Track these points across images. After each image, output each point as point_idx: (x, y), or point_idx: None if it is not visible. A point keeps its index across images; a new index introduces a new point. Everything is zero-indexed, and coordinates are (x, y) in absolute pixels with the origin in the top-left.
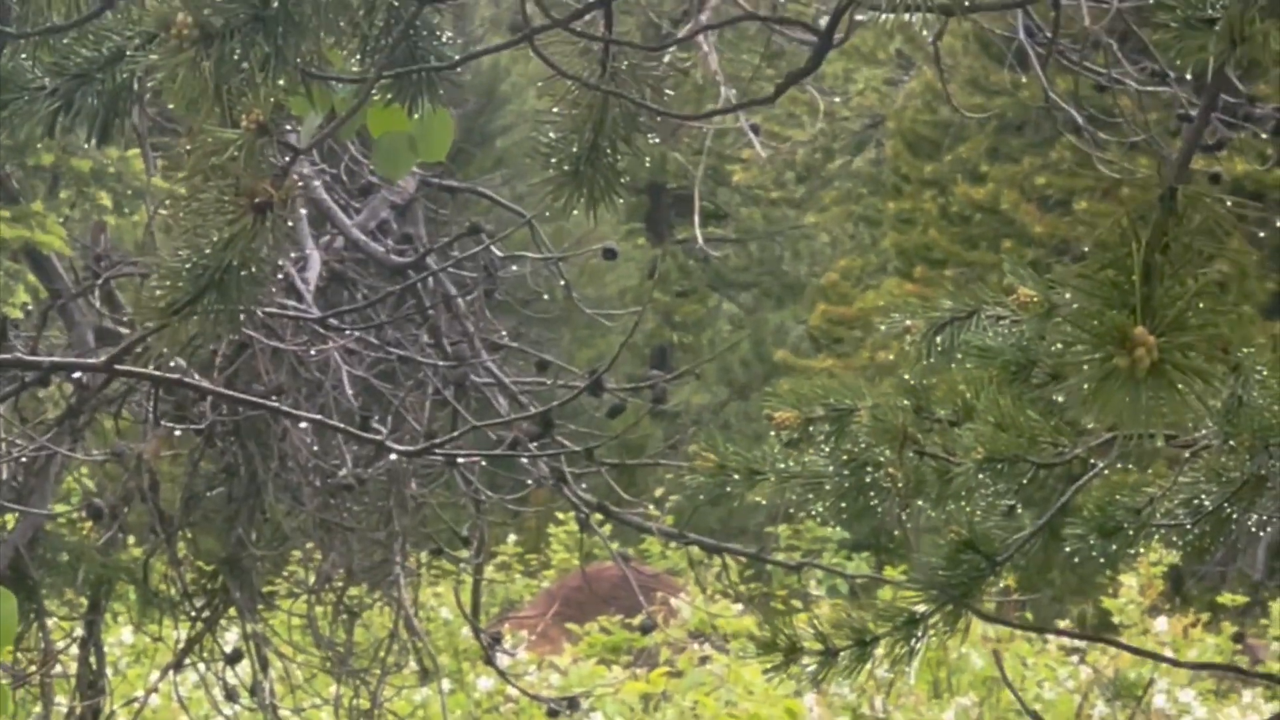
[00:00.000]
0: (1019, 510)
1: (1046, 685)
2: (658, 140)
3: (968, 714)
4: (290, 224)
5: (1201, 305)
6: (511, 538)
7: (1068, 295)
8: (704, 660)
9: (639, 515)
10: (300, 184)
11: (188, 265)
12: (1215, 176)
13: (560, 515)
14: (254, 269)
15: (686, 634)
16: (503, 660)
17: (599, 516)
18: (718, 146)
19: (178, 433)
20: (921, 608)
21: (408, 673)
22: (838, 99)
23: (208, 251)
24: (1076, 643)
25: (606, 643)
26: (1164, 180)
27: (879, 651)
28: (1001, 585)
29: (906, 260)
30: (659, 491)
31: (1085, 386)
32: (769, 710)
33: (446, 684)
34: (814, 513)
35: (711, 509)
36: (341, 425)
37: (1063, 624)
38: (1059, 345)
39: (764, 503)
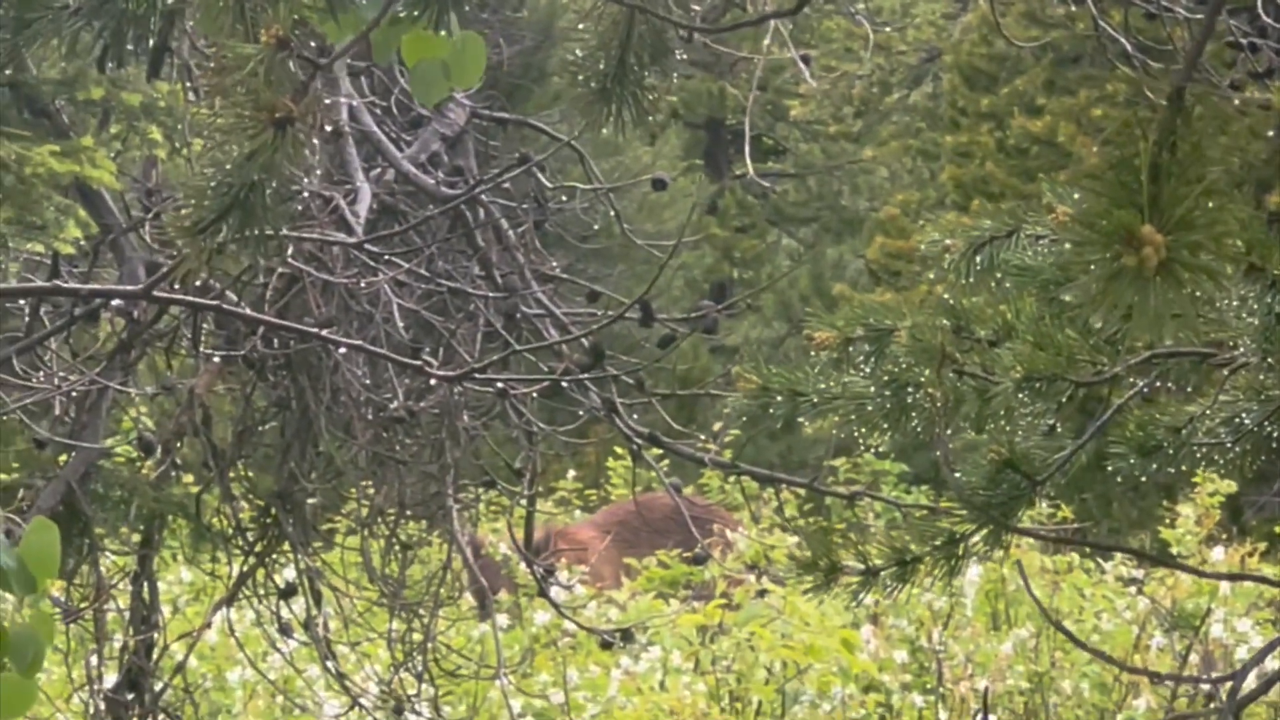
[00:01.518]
0: (1059, 430)
1: (1105, 616)
2: (683, 59)
3: (1025, 645)
4: (312, 140)
5: (1210, 204)
6: (571, 473)
7: (1076, 196)
8: (761, 594)
9: (692, 446)
10: (325, 102)
11: (211, 184)
12: (1235, 85)
13: (619, 450)
14: (278, 186)
15: (742, 566)
16: (559, 594)
17: (656, 451)
18: (775, 81)
19: (230, 367)
20: (962, 528)
21: (465, 608)
22: (894, 32)
23: (229, 168)
24: (1135, 573)
25: (664, 577)
26: (1172, 80)
27: (920, 571)
28: (1059, 516)
29: (964, 194)
30: (717, 426)
31: (1094, 286)
32: (825, 641)
33: (505, 619)
34: (858, 436)
35: (771, 443)
36: (382, 350)
37: (1119, 555)
38: (1068, 245)
39: (833, 434)
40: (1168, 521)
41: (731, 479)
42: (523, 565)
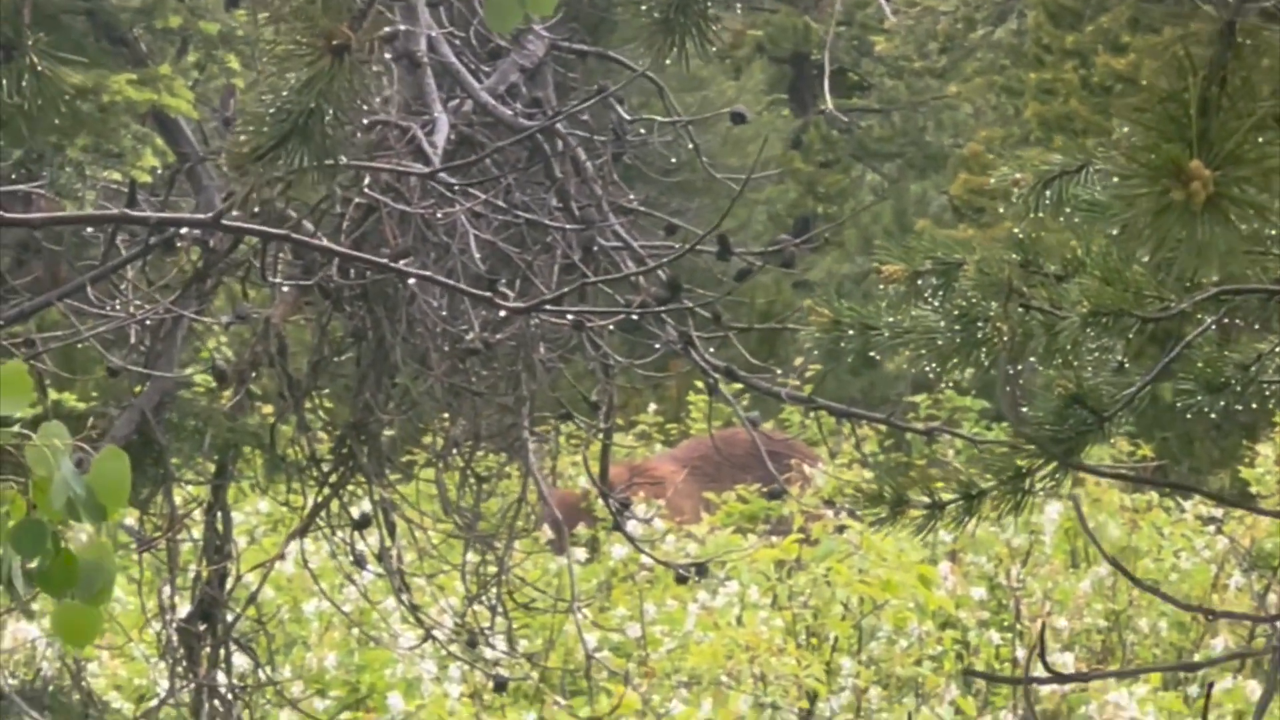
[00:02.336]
0: (1126, 366)
1: (1183, 555)
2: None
3: (1103, 584)
4: (371, 67)
5: (1259, 139)
6: (652, 406)
7: (1125, 129)
8: (839, 529)
9: (769, 381)
10: (401, 30)
11: (270, 111)
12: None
13: (699, 384)
14: (336, 113)
15: (820, 502)
16: (638, 528)
17: (736, 386)
18: (859, 16)
19: (307, 297)
20: (1027, 463)
21: (542, 541)
22: None
23: (286, 95)
24: (1214, 512)
25: (743, 511)
26: (1223, 14)
27: (985, 505)
28: (1139, 454)
29: (1047, 131)
30: (798, 360)
31: (1141, 220)
32: (902, 577)
33: (582, 553)
34: (928, 370)
35: (853, 378)
36: (450, 281)
37: (1198, 495)
38: (1116, 179)
39: (911, 369)
40: (1247, 460)
41: (811, 414)
42: (600, 499)
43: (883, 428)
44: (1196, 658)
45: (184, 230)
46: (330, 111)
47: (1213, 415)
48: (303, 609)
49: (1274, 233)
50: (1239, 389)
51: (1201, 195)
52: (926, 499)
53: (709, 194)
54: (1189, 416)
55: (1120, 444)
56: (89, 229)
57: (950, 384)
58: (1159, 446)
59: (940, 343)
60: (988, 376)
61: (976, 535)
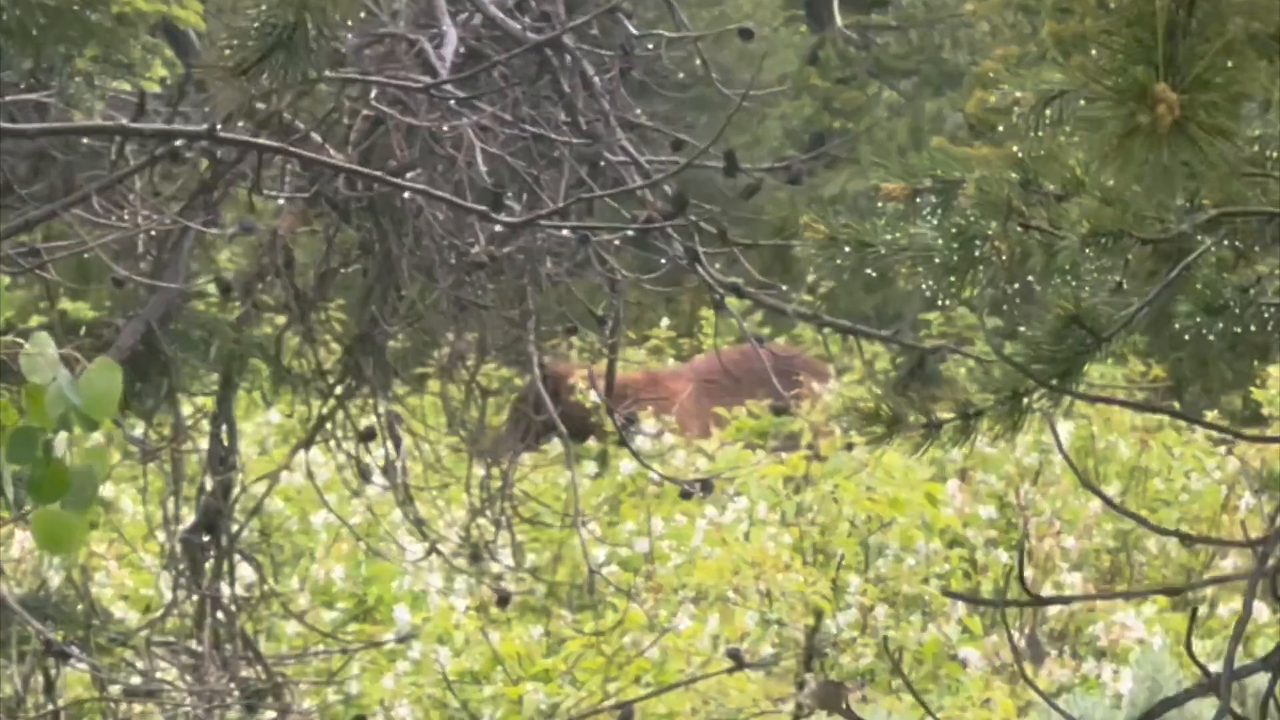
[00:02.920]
0: (1125, 287)
1: (1194, 475)
2: None
3: (1117, 501)
4: None
5: (1227, 63)
6: (665, 322)
7: (1093, 51)
8: (848, 446)
9: (776, 296)
10: None
11: (254, 25)
12: None
13: None
14: (322, 29)
15: (828, 418)
16: (646, 443)
17: (746, 302)
18: None
19: (314, 210)
20: (1024, 383)
21: (551, 454)
22: None
23: (267, 9)
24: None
25: (753, 427)
26: None
27: (982, 425)
28: (1151, 375)
29: (1063, 50)
30: (811, 278)
31: (1107, 142)
32: (909, 495)
33: (593, 467)
34: (925, 288)
35: (867, 295)
36: (445, 195)
37: (1211, 415)
38: (1082, 101)
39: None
40: (1259, 382)
41: (822, 331)
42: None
43: (895, 346)
44: (1206, 575)
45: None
46: (313, 25)
47: (1211, 337)
48: (311, 521)
49: (1276, 155)
50: (1238, 311)
51: (1168, 119)
52: (923, 419)
53: (724, 110)
54: (1187, 338)
55: (1133, 365)
56: (94, 140)
57: (946, 301)
58: (1172, 367)
59: (938, 261)
60: (998, 295)
61: (987, 454)
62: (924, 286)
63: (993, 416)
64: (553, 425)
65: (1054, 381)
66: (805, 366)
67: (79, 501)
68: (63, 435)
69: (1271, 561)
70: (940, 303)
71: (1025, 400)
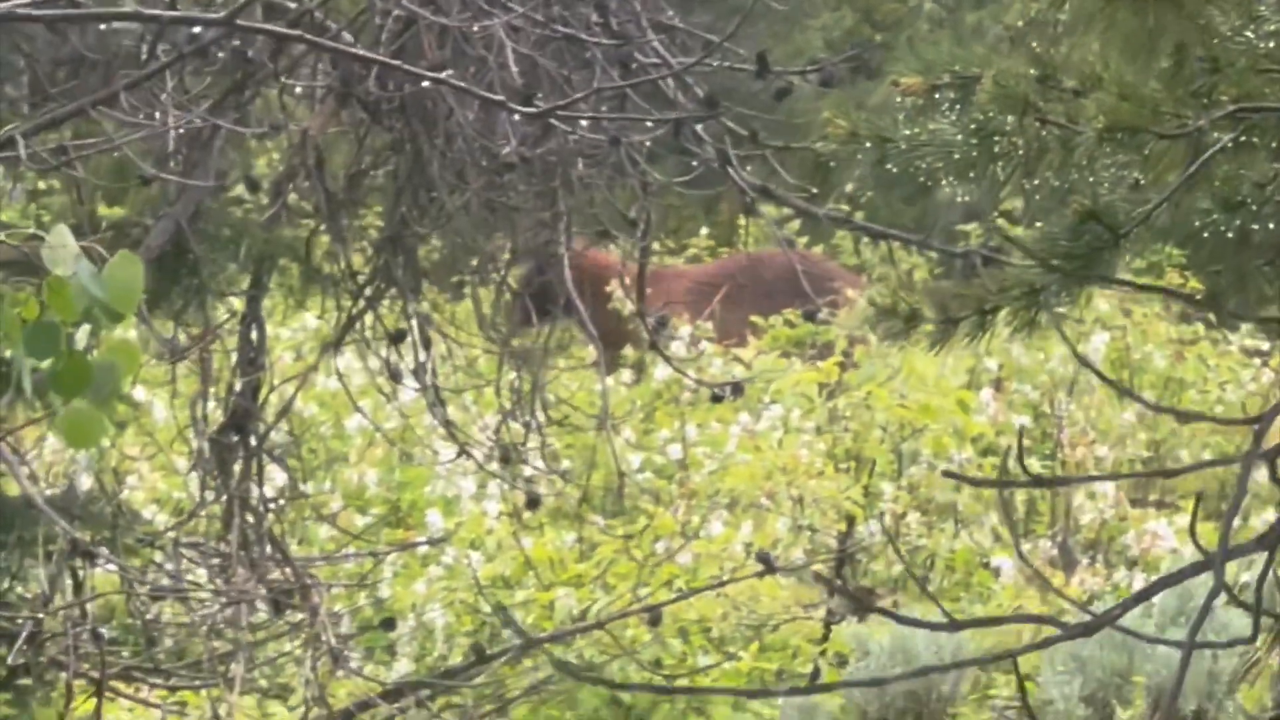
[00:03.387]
0: (1142, 183)
1: (1229, 388)
2: None
3: (1146, 414)
4: None
5: None
6: (704, 230)
7: None
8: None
9: (807, 201)
10: None
11: None
12: None
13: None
14: None
15: (863, 324)
16: (681, 348)
17: (782, 210)
18: None
19: (345, 109)
20: (1039, 279)
21: (575, 360)
22: None
23: None
24: (1260, 344)
25: (790, 336)
26: None
27: (998, 321)
28: (1189, 286)
29: None
30: (850, 187)
31: (1091, 5)
32: (941, 402)
33: (629, 374)
34: (945, 184)
35: (906, 207)
36: (470, 87)
37: (1245, 327)
38: None
39: (965, 198)
40: None
41: (863, 240)
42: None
43: (933, 255)
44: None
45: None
46: None
47: (1229, 234)
48: (344, 425)
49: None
50: (1254, 208)
51: None
52: (940, 315)
53: (765, 19)
54: (1206, 235)
55: (1170, 277)
56: (127, 40)
57: (962, 197)
58: (1210, 280)
59: (956, 156)
60: (1041, 204)
61: (1022, 364)
62: (944, 182)
63: (1010, 312)
64: (554, 311)
65: (1070, 277)
66: (836, 274)
67: (102, 396)
68: (85, 329)
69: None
70: (959, 197)
71: (1042, 296)
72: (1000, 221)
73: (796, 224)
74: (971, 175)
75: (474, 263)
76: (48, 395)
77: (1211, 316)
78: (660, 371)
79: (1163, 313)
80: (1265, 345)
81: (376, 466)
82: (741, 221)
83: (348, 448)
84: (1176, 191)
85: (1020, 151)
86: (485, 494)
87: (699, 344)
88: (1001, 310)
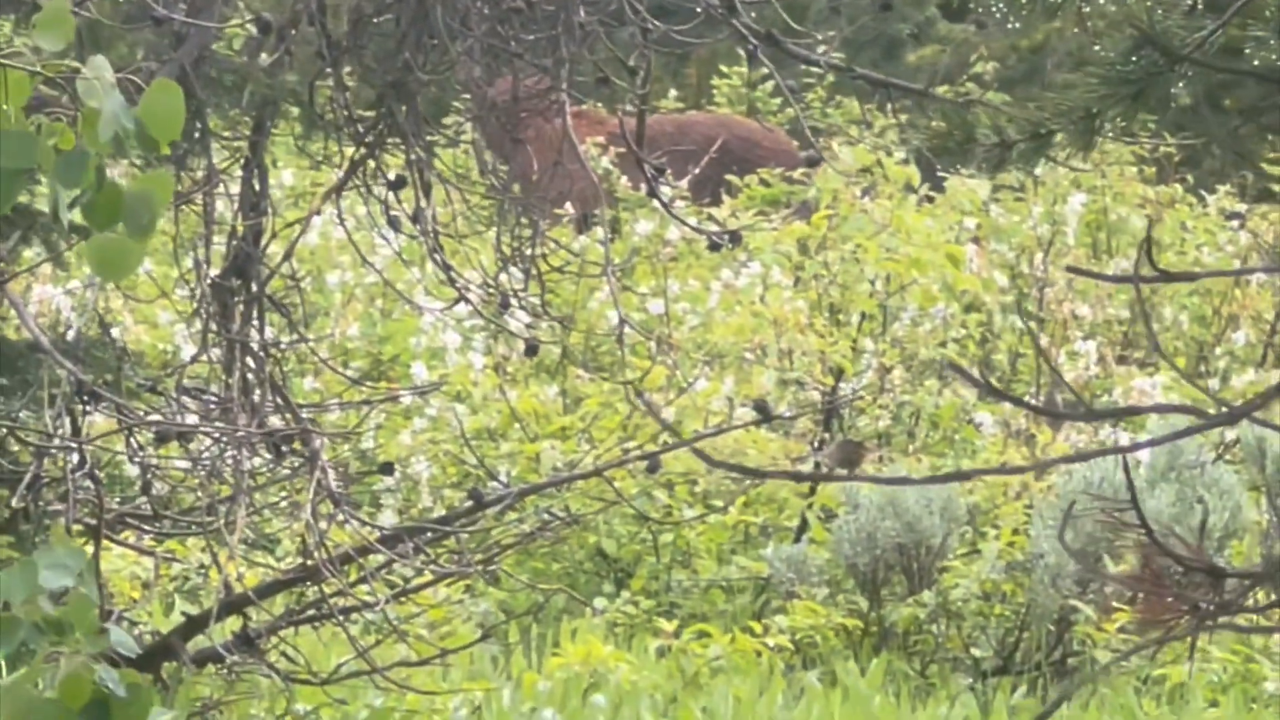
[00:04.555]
0: (1199, 7)
1: (1205, 250)
2: None
3: (1126, 273)
4: None
5: None
6: (672, 92)
7: None
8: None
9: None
10: None
11: None
12: None
13: (724, 68)
14: None
15: (847, 181)
16: (668, 197)
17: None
18: None
19: None
20: (1098, 102)
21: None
22: None
23: None
24: (1237, 206)
25: (765, 195)
26: None
27: (1054, 144)
28: (1161, 152)
29: None
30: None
31: None
32: (930, 255)
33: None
34: (994, 7)
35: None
36: None
37: (1224, 188)
38: None
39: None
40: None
41: (834, 103)
42: (623, 179)
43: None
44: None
45: None
46: None
47: None
48: (326, 280)
49: None
50: None
51: None
52: (996, 139)
53: None
54: (1256, 63)
55: (1142, 144)
56: None
57: (969, 77)
58: (1182, 145)
59: None
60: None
61: (1000, 223)
62: (994, 8)
63: (1066, 136)
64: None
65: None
66: (768, 142)
67: (136, 226)
68: (120, 161)
69: None
70: (965, 76)
71: (1097, 121)
72: (970, 85)
73: (770, 85)
74: (1024, 1)
75: (474, 107)
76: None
77: (1190, 178)
78: (641, 226)
79: (1137, 173)
80: (1242, 207)
81: (358, 321)
82: (716, 84)
83: (328, 302)
84: (1231, 17)
85: None
86: (470, 347)
87: (674, 202)
88: (1057, 134)
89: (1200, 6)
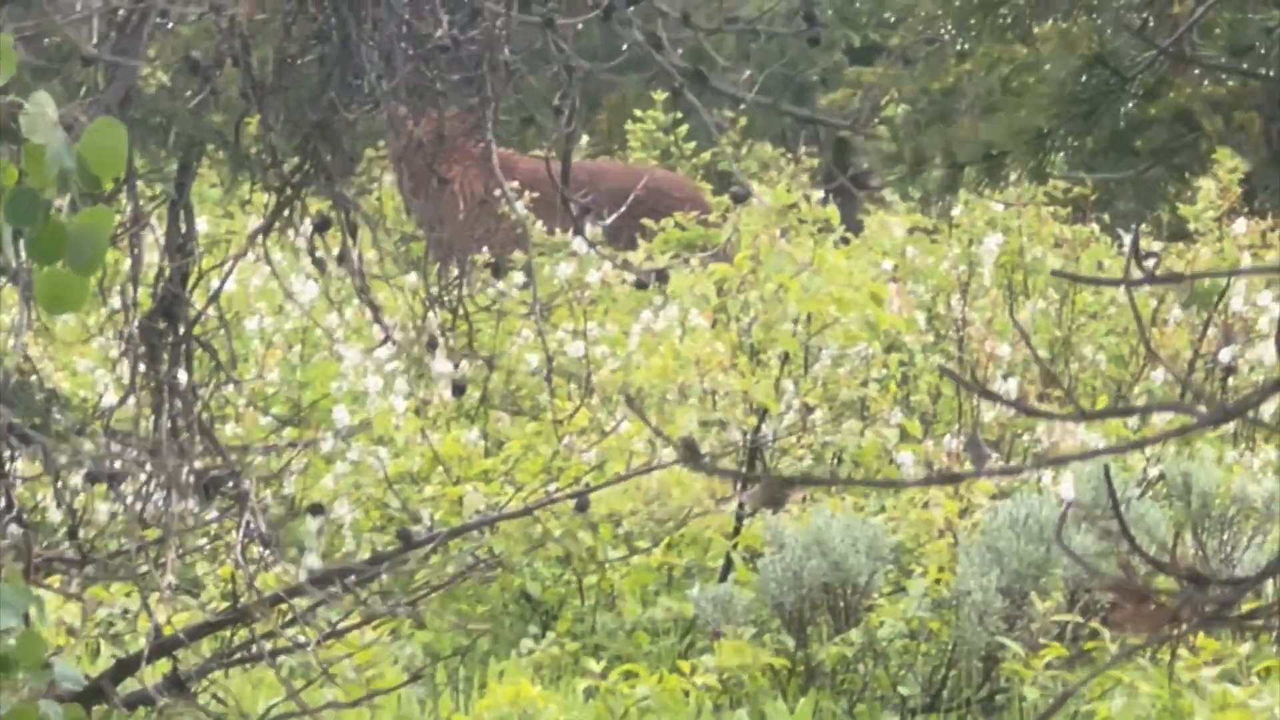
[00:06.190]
0: (1150, 25)
1: (1123, 289)
2: None
3: (1046, 315)
4: None
5: None
6: (585, 139)
7: None
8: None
9: (734, 84)
10: None
11: None
12: None
13: (638, 112)
14: None
15: (766, 224)
16: (582, 249)
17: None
18: None
19: None
20: (1048, 124)
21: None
22: None
23: None
24: (1153, 246)
25: (681, 239)
26: None
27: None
28: (1074, 192)
29: None
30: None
31: None
32: (852, 294)
33: (520, 277)
34: (944, 30)
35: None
36: None
37: (1140, 227)
38: None
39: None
40: (1187, 195)
41: (746, 147)
42: (539, 223)
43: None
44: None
45: None
46: None
47: (1231, 82)
48: (244, 326)
49: None
50: (1264, 51)
51: None
52: (947, 161)
53: None
54: (1206, 84)
55: (1055, 184)
56: None
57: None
58: (1096, 186)
59: (958, 3)
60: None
61: (915, 264)
62: (943, 30)
63: (1017, 159)
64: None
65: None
66: (681, 190)
67: (81, 261)
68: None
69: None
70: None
71: (1050, 141)
72: (881, 129)
73: (684, 129)
74: (973, 21)
75: (399, 148)
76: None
77: (1105, 217)
78: (562, 268)
79: (1053, 210)
80: (1157, 246)
81: (278, 366)
82: (631, 129)
83: (246, 349)
84: (1190, 29)
85: None
86: (392, 390)
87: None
88: (1008, 157)
89: (1151, 25)
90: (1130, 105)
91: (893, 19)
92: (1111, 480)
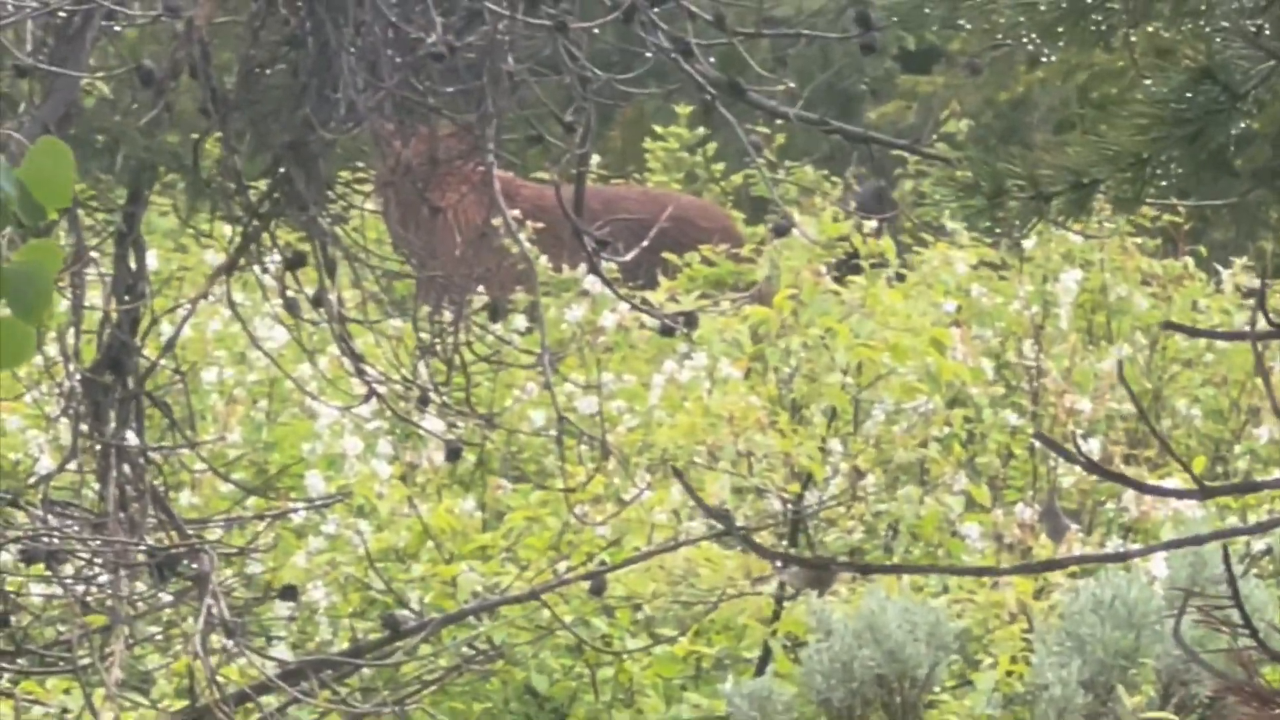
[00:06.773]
0: (1266, 32)
1: (1221, 331)
2: None
3: (1135, 361)
4: None
5: None
6: (596, 159)
7: None
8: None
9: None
10: None
11: None
12: None
13: (659, 128)
14: None
15: (809, 261)
16: (595, 287)
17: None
18: None
19: None
20: (1149, 147)
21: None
22: None
23: None
24: (1254, 284)
25: (709, 276)
26: None
27: (1098, 196)
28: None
29: None
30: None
31: None
32: (910, 340)
33: (522, 321)
34: (1027, 42)
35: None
36: None
37: (1239, 261)
38: None
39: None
40: None
41: (787, 169)
42: (545, 258)
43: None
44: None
45: None
46: None
47: None
48: (201, 378)
49: None
50: None
51: None
52: (1030, 190)
53: None
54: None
55: (1143, 211)
56: None
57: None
58: (1190, 213)
59: (1043, 9)
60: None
61: (982, 305)
62: (1025, 40)
63: (1112, 184)
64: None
65: (1186, 143)
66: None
67: (24, 306)
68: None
69: None
70: (1044, 58)
71: (1148, 169)
72: (941, 146)
73: (710, 148)
74: (1060, 30)
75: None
76: None
77: (1201, 249)
78: (572, 312)
79: (1135, 248)
80: (1257, 282)
81: (241, 424)
82: (650, 147)
83: (203, 405)
84: None
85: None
86: (374, 453)
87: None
88: (1103, 183)
89: (1267, 32)
90: (1242, 126)
91: (967, 25)
92: (1230, 561)
